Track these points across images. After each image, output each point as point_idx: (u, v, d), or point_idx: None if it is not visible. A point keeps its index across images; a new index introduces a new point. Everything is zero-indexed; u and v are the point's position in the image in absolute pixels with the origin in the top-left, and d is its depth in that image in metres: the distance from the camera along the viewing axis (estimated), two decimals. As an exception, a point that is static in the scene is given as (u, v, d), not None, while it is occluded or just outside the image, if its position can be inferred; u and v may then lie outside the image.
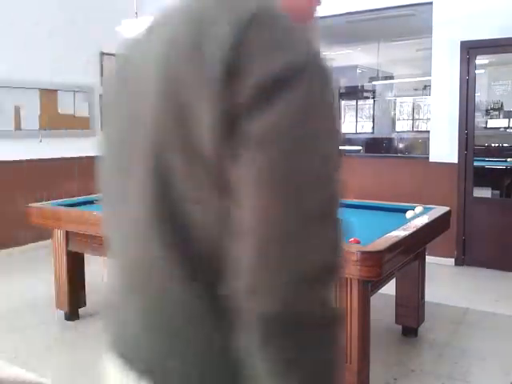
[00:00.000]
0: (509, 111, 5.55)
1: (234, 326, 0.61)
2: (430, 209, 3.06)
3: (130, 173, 0.71)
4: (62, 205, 3.48)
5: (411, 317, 3.12)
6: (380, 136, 7.63)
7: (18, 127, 5.29)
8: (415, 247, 2.65)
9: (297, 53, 0.61)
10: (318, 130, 0.61)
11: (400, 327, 3.18)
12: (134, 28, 4.08)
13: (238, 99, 0.58)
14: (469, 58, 4.52)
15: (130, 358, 0.73)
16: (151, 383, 0.69)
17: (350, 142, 7.15)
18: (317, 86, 0.61)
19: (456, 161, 4.62)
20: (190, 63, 0.62)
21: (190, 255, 0.65)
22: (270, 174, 0.58)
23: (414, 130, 7.23)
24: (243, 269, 0.58)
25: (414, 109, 7.24)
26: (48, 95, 5.54)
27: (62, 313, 3.45)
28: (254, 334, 0.58)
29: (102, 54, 6.08)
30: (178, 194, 0.64)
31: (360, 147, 7.14)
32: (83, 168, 5.89)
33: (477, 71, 4.68)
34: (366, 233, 2.32)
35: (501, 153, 5.65)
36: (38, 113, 5.46)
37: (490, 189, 5.03)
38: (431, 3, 4.64)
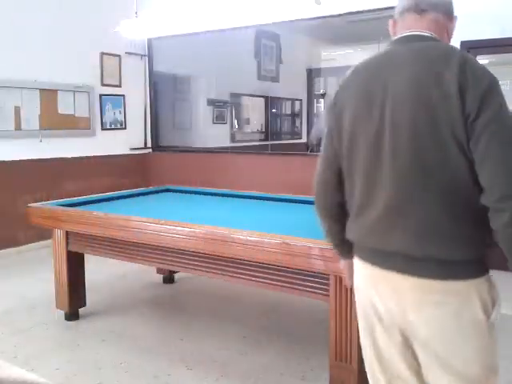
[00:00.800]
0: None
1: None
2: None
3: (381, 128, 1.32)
4: (61, 205, 3.47)
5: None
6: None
7: (18, 127, 5.29)
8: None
9: (488, 72, 1.25)
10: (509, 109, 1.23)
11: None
12: (133, 28, 4.08)
13: (469, 105, 1.20)
14: (469, 58, 4.51)
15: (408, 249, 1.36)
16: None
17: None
18: (500, 87, 1.24)
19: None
20: (438, 84, 1.23)
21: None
22: (502, 134, 1.20)
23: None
24: (497, 184, 1.18)
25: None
26: (48, 95, 5.53)
27: (62, 313, 3.45)
28: (503, 219, 1.25)
29: (102, 54, 6.08)
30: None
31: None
32: (83, 168, 5.90)
33: (477, 71, 4.67)
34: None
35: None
36: (38, 113, 5.46)
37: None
38: (431, 3, 4.63)
